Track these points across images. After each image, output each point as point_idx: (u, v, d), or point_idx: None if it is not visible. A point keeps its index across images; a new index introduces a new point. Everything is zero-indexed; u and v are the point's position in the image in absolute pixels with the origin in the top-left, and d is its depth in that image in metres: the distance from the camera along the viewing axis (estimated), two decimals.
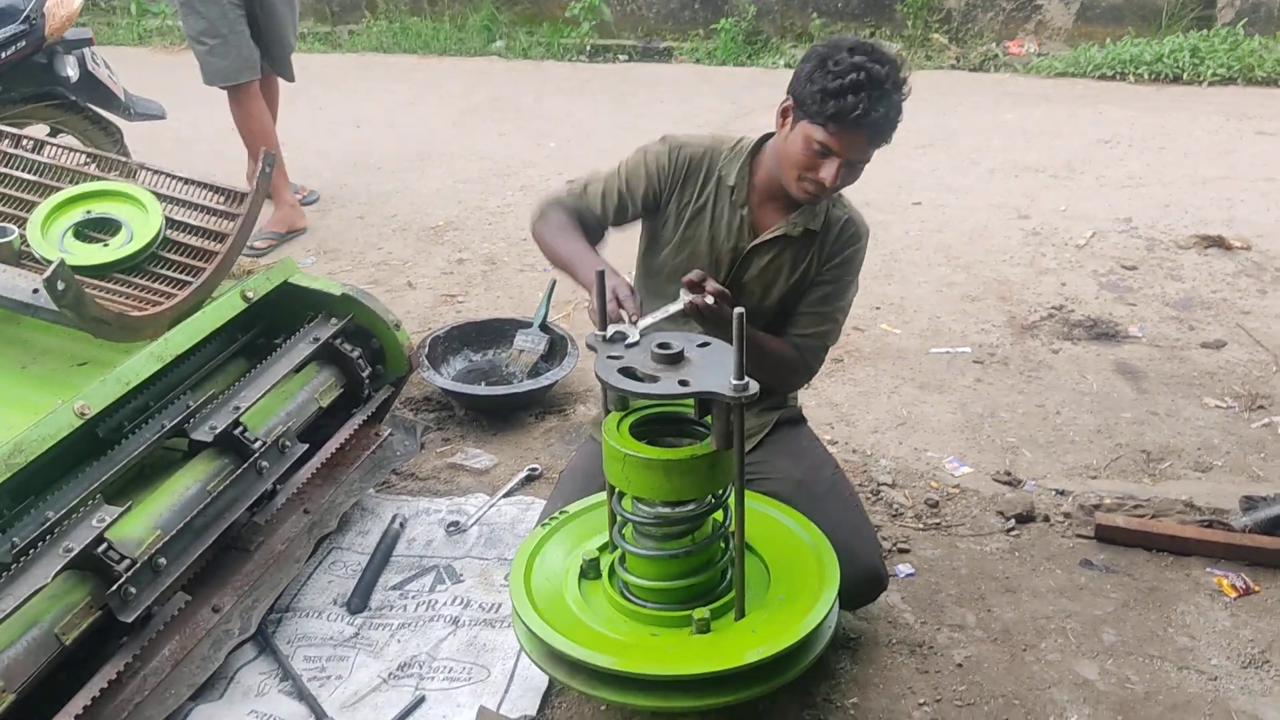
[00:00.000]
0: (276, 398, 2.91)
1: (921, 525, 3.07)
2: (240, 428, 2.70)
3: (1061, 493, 3.18)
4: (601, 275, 2.28)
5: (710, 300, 2.33)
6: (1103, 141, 6.33)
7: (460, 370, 3.98)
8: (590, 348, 2.29)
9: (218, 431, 2.63)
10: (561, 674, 2.25)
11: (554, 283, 4.18)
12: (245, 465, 2.65)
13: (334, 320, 3.13)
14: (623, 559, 2.42)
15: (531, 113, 7.36)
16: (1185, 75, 7.49)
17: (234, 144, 5.24)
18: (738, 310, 2.06)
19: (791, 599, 2.34)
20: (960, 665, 2.56)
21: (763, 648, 2.18)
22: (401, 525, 3.14)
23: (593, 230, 2.68)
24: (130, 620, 2.25)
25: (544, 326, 4.04)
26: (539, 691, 2.52)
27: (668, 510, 2.29)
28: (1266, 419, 3.53)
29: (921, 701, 2.46)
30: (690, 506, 2.29)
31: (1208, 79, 7.43)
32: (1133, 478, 3.26)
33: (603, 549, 2.51)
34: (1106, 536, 2.94)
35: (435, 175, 6.15)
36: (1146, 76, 7.58)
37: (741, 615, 2.31)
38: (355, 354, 3.14)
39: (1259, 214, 5.20)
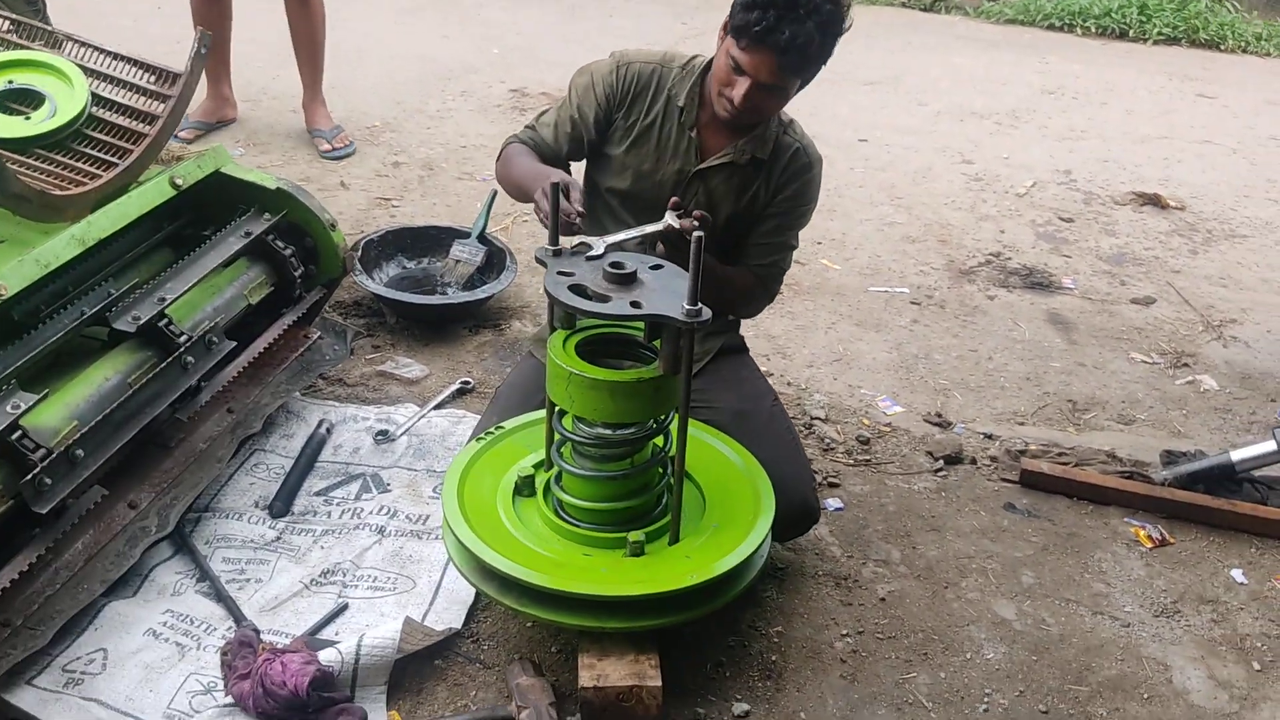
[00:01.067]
0: (204, 291, 2.80)
1: (852, 461, 3.09)
2: (165, 320, 2.59)
3: (989, 436, 3.23)
4: (556, 186, 2.21)
5: (688, 223, 2.29)
6: (1048, 92, 6.36)
7: (393, 277, 3.88)
8: (540, 261, 2.23)
9: (141, 322, 2.53)
10: (492, 589, 2.23)
11: (494, 193, 4.07)
12: (170, 359, 2.54)
13: (267, 215, 3.02)
14: (559, 478, 2.40)
15: (475, 18, 7.14)
16: (1132, 32, 7.55)
17: (158, 24, 4.99)
18: (696, 234, 2.02)
19: (725, 527, 2.34)
20: (883, 599, 2.60)
21: (696, 574, 2.18)
22: (328, 431, 3.06)
23: (551, 161, 2.62)
24: (45, 511, 2.16)
25: (482, 238, 3.94)
26: (465, 605, 2.49)
27: (608, 432, 2.27)
28: (1190, 376, 3.61)
29: (844, 632, 2.49)
30: (632, 429, 2.26)
31: (1153, 37, 7.50)
32: (1058, 426, 3.32)
33: (538, 467, 2.48)
34: (1030, 482, 2.99)
35: (373, 74, 5.94)
36: (1094, 30, 7.62)
37: (676, 540, 2.31)
38: (288, 252, 3.03)
39: (1195, 175, 5.28)
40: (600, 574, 2.21)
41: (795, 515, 2.50)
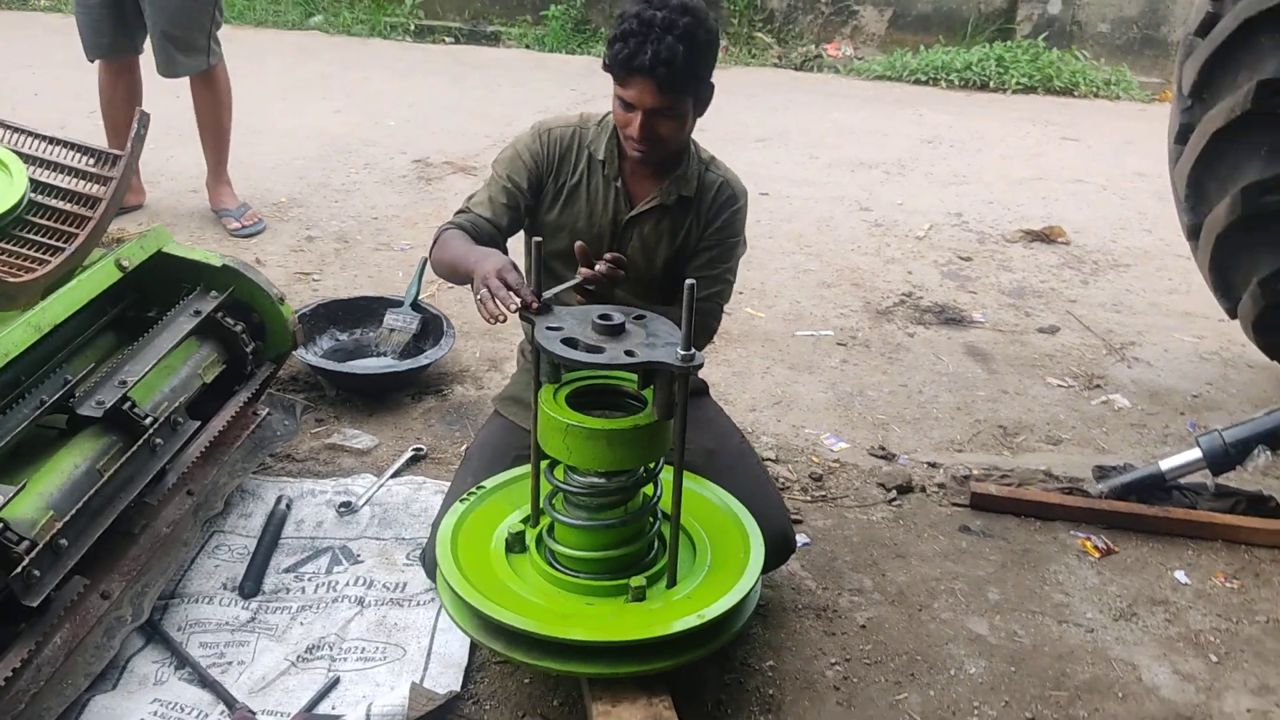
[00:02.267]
0: (160, 372, 2.75)
1: (809, 498, 3.18)
2: (129, 403, 2.53)
3: (933, 465, 3.37)
4: (539, 245, 2.27)
5: (602, 268, 2.36)
6: (926, 141, 6.71)
7: (327, 349, 3.85)
8: (525, 319, 2.28)
9: (107, 407, 2.47)
10: (500, 645, 2.23)
11: (425, 260, 4.09)
12: (140, 443, 2.49)
13: (214, 293, 2.98)
14: (551, 531, 2.42)
15: (362, 91, 7.16)
16: (992, 83, 8.02)
17: (34, 109, 4.87)
18: (689, 281, 2.10)
19: (718, 566, 2.40)
20: (864, 626, 2.69)
21: (702, 613, 2.23)
22: (288, 506, 3.02)
23: (488, 241, 2.62)
24: (36, 604, 2.08)
25: (416, 305, 3.95)
26: (460, 667, 2.47)
27: (602, 481, 2.31)
28: (1104, 396, 3.84)
29: (833, 661, 2.57)
30: (627, 476, 2.31)
31: (1012, 87, 7.98)
32: (994, 450, 3.49)
33: (525, 522, 2.50)
34: (980, 504, 3.14)
35: (270, 151, 5.89)
36: (957, 83, 8.07)
37: (674, 583, 2.36)
38: (238, 328, 3.00)
39: (1072, 211, 5.64)
40: (608, 621, 2.24)
41: (776, 546, 2.57)
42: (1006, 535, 3.05)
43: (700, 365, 2.15)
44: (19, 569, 2.06)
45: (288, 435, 3.23)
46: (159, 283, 2.96)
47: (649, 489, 2.39)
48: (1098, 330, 4.34)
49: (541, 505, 2.45)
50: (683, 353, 2.13)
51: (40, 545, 2.12)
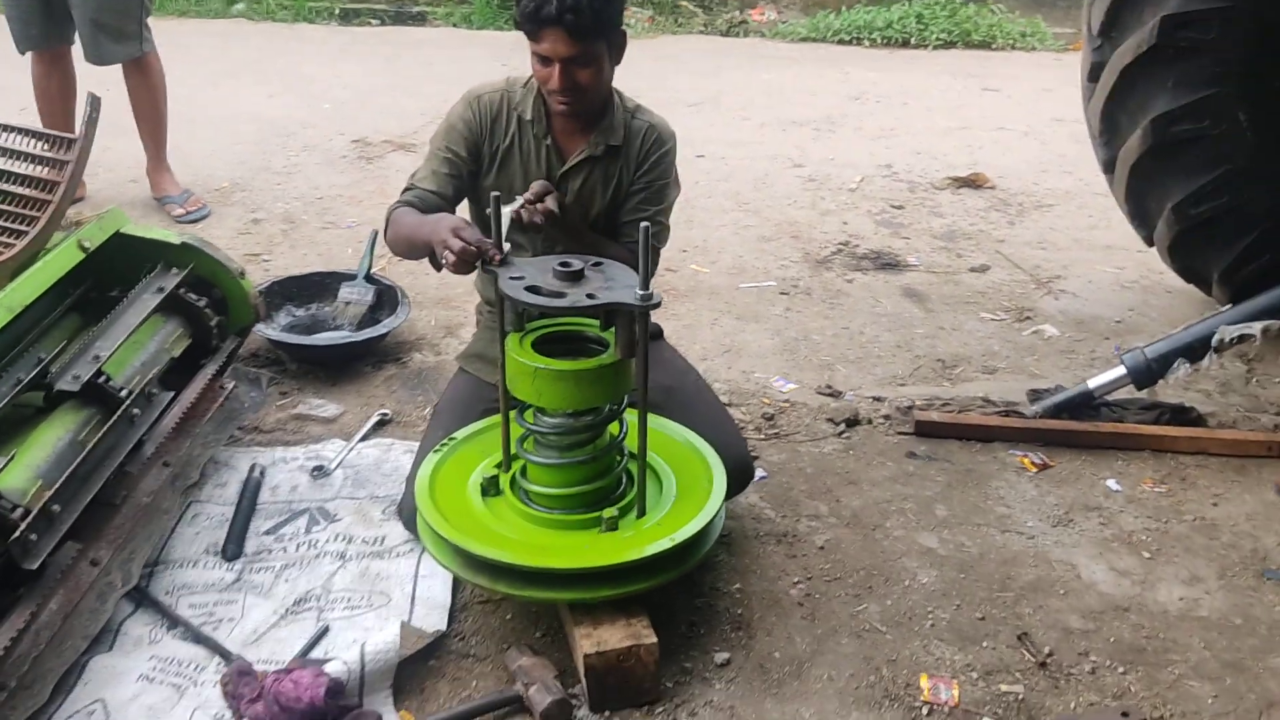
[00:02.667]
0: (130, 348, 2.82)
1: (763, 436, 3.34)
2: (103, 377, 2.61)
3: (878, 399, 3.55)
4: (498, 199, 2.38)
5: (539, 219, 2.48)
6: (853, 98, 6.89)
7: (284, 325, 3.92)
8: (488, 272, 2.39)
9: (84, 381, 2.54)
10: (484, 580, 2.36)
11: (375, 233, 4.17)
12: (118, 414, 2.57)
13: (175, 270, 3.05)
14: (524, 473, 2.55)
15: (295, 75, 7.17)
16: (913, 39, 8.23)
17: None
18: (644, 225, 2.23)
19: (684, 495, 2.55)
20: (822, 548, 2.85)
21: (673, 536, 2.37)
22: (261, 474, 3.10)
23: (438, 210, 2.70)
24: (35, 567, 2.17)
25: (369, 277, 4.03)
26: (444, 608, 2.59)
27: (570, 420, 2.44)
28: (1034, 327, 4.05)
29: (795, 580, 2.73)
30: (593, 414, 2.44)
31: (932, 43, 8.20)
32: (934, 382, 3.67)
33: (497, 467, 2.62)
34: (925, 431, 3.32)
35: (206, 138, 5.90)
36: (879, 41, 8.27)
37: (643, 514, 2.50)
38: (202, 303, 3.07)
39: (996, 158, 5.86)
40: (585, 550, 2.38)
41: (737, 473, 2.71)
42: (950, 458, 3.24)
43: (659, 304, 2.28)
44: (17, 534, 2.14)
45: (255, 407, 3.31)
46: (118, 263, 3.02)
47: (614, 427, 2.52)
48: (1025, 267, 4.55)
49: (513, 449, 2.57)
50: (641, 293, 2.27)
51: (35, 511, 2.21)
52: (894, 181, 5.49)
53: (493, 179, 2.79)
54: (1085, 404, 3.36)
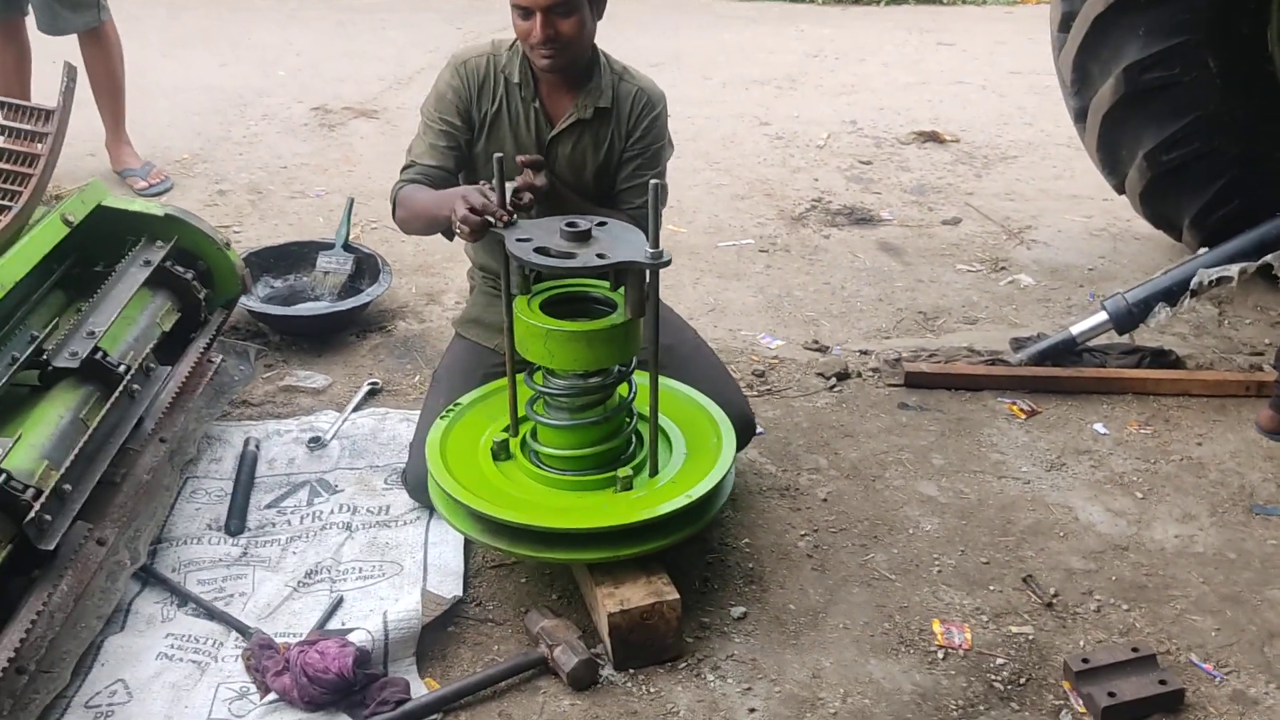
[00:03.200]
0: (121, 323, 2.76)
1: (755, 393, 3.37)
2: (100, 353, 2.56)
3: (865, 352, 3.59)
4: (500, 160, 2.36)
5: (525, 198, 2.46)
6: (811, 55, 6.89)
7: (263, 296, 3.86)
8: (495, 232, 2.37)
9: (81, 357, 2.49)
10: (504, 543, 2.37)
11: (352, 201, 4.12)
12: (119, 391, 2.52)
13: (160, 243, 2.99)
14: (535, 435, 2.55)
15: (245, 43, 6.99)
16: None
17: None
18: (652, 181, 2.24)
19: (694, 453, 2.57)
20: (825, 500, 2.89)
21: (689, 492, 2.39)
22: (257, 447, 3.07)
23: (443, 184, 2.69)
24: (52, 547, 2.13)
25: (348, 246, 3.98)
26: (458, 575, 2.60)
27: (582, 381, 2.44)
28: (1010, 277, 4.11)
29: (802, 533, 2.77)
30: (605, 375, 2.45)
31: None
32: (918, 334, 3.72)
33: (505, 431, 2.62)
34: (914, 382, 3.37)
35: (161, 109, 5.75)
36: None
37: (655, 472, 2.52)
38: (189, 276, 3.02)
39: (957, 111, 5.91)
40: (603, 509, 2.39)
41: (739, 429, 2.72)
42: (941, 408, 3.29)
43: (669, 261, 2.28)
44: (32, 514, 2.10)
45: (245, 380, 3.27)
46: (100, 237, 2.95)
47: (624, 388, 2.53)
48: (996, 218, 4.61)
49: (521, 412, 2.57)
50: (651, 250, 2.27)
51: (47, 491, 2.17)
52: (860, 137, 5.52)
53: (482, 145, 2.76)
54: (1068, 350, 3.43)
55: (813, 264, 4.20)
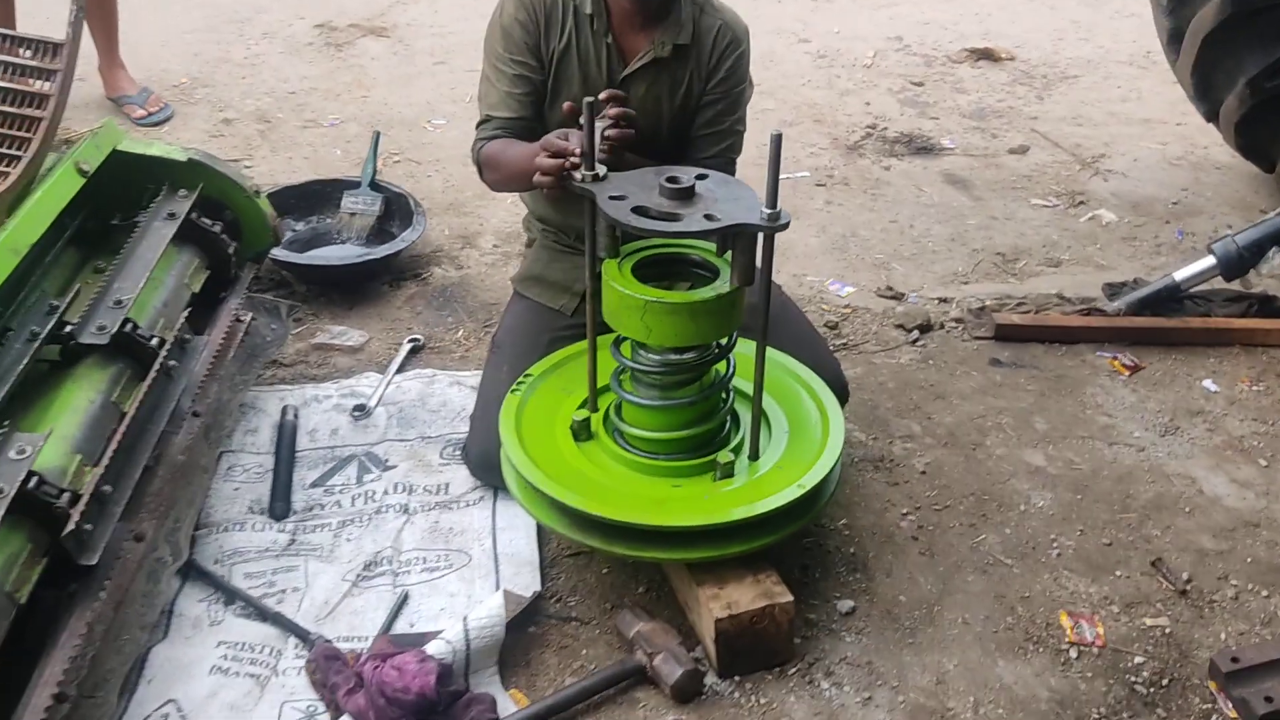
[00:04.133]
0: (149, 288, 2.46)
1: (831, 348, 3.10)
2: (130, 325, 2.27)
3: (944, 300, 3.32)
4: (591, 104, 2.04)
5: (611, 131, 2.17)
6: None
7: (285, 241, 3.54)
8: (583, 191, 2.08)
9: (111, 332, 2.20)
10: (596, 540, 2.12)
11: (378, 135, 3.79)
12: (155, 369, 2.23)
13: (183, 192, 2.68)
14: (619, 413, 2.29)
15: None
16: None
17: None
18: (775, 132, 1.94)
19: (797, 430, 2.31)
20: (924, 472, 2.65)
21: (801, 482, 2.14)
22: (295, 416, 2.80)
23: (529, 136, 2.39)
24: (95, 562, 1.87)
25: (375, 185, 3.66)
26: (533, 566, 2.35)
27: (678, 357, 2.17)
28: (1090, 213, 3.82)
29: (904, 512, 2.53)
30: (700, 351, 2.17)
31: None
32: (998, 279, 3.45)
33: (581, 407, 2.35)
34: (1005, 335, 3.10)
35: (151, 29, 5.33)
36: None
37: (756, 455, 2.26)
38: (217, 229, 2.72)
39: (1007, 26, 5.54)
40: (705, 502, 2.14)
41: (835, 394, 2.48)
42: (1036, 363, 3.03)
43: (787, 224, 2.00)
44: (72, 525, 1.83)
45: (278, 340, 2.99)
46: (115, 185, 2.65)
47: (722, 364, 2.26)
48: (1065, 146, 4.30)
49: (603, 382, 2.31)
50: (767, 211, 1.98)
51: (86, 495, 1.90)
52: (908, 55, 5.16)
53: (550, 86, 2.45)
54: (1170, 298, 3.17)
55: (876, 199, 3.90)
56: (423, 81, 4.87)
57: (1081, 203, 3.88)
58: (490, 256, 3.56)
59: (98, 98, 4.57)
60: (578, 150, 2.07)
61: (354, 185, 3.66)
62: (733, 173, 2.56)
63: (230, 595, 2.30)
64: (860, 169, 4.10)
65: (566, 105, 2.18)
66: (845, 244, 3.63)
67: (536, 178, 2.09)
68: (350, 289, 3.35)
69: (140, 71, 4.73)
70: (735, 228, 1.98)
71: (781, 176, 1.97)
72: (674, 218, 2.00)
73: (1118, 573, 2.38)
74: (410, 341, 3.12)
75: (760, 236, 2.01)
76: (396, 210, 3.62)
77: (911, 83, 4.86)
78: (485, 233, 3.69)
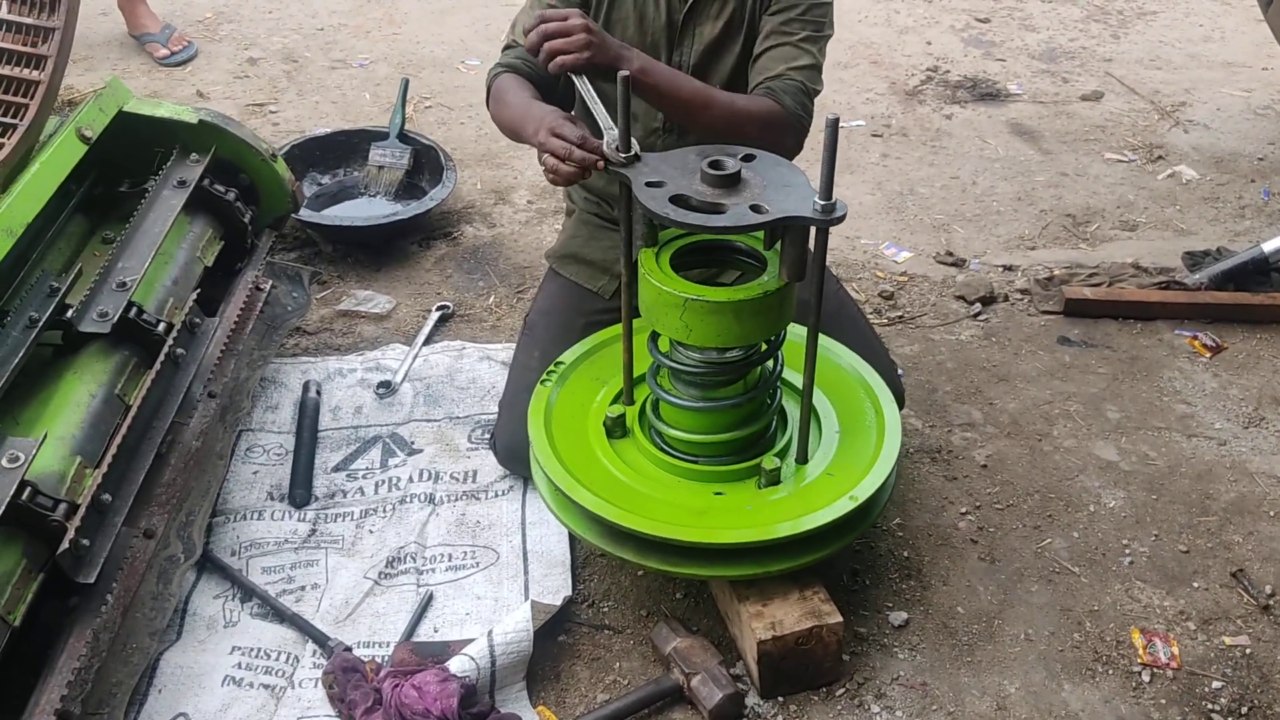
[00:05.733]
0: (158, 264, 2.32)
1: (885, 320, 2.90)
2: (135, 309, 2.12)
3: (1009, 268, 3.09)
4: (626, 80, 1.84)
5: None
6: None
7: (309, 197, 3.38)
8: (618, 176, 1.88)
9: (114, 320, 2.06)
10: (630, 553, 1.97)
11: (406, 82, 3.59)
12: (161, 358, 2.09)
13: (194, 156, 2.51)
14: (657, 411, 2.12)
15: None
16: None
17: None
18: (830, 116, 1.72)
19: (849, 431, 2.13)
20: (985, 466, 2.46)
21: (853, 494, 1.97)
22: (318, 392, 2.66)
23: (548, 75, 2.12)
24: (93, 580, 1.75)
25: (403, 136, 3.47)
26: (565, 566, 2.21)
27: (719, 355, 1.98)
28: (1169, 169, 3.55)
29: (963, 511, 2.35)
30: (740, 350, 1.99)
31: None
32: (1068, 243, 3.21)
33: (615, 402, 2.18)
34: (1075, 310, 2.88)
35: None
36: None
37: (805, 459, 2.08)
38: (230, 196, 2.55)
39: None
40: (748, 513, 1.97)
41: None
42: (1109, 342, 2.82)
43: (843, 217, 1.80)
44: (66, 543, 1.70)
45: (300, 310, 2.83)
46: (122, 148, 2.49)
47: (769, 361, 2.07)
48: (1143, 92, 4.00)
49: (639, 371, 2.14)
50: (822, 202, 1.78)
51: (84, 505, 1.77)
52: None
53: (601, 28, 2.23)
54: (1257, 270, 2.92)
55: (936, 152, 3.65)
56: (457, 17, 4.63)
57: (1160, 157, 3.61)
58: (524, 214, 3.38)
59: (119, 34, 4.39)
60: (601, 157, 1.86)
61: (382, 136, 3.47)
62: (805, 100, 2.20)
63: (247, 592, 2.19)
64: (920, 117, 3.84)
65: (622, 75, 1.86)
66: (903, 202, 3.39)
67: (550, 177, 1.89)
68: (377, 249, 3.19)
69: (164, 6, 4.55)
70: (785, 220, 1.78)
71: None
72: (717, 208, 1.80)
73: (1195, 584, 2.20)
74: (439, 309, 2.96)
75: (813, 230, 1.81)
76: (426, 163, 3.43)
77: (976, 19, 4.55)
78: (520, 187, 3.50)
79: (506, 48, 2.24)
